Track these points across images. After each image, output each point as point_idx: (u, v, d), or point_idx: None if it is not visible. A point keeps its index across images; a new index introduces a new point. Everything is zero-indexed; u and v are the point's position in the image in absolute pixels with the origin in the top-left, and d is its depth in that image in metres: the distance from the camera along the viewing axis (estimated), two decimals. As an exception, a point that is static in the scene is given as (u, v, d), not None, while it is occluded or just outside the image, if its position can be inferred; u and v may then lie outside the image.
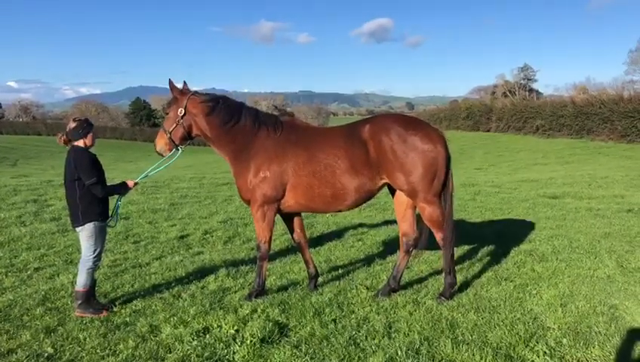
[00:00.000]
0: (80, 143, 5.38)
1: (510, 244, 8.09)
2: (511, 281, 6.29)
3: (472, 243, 8.25)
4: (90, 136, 5.41)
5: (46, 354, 4.47)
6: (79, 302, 5.32)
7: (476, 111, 46.99)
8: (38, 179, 17.37)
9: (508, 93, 77.11)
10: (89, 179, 5.23)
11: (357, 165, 5.53)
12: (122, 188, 5.69)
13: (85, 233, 5.33)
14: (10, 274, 6.75)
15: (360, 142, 5.57)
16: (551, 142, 33.82)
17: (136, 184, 5.85)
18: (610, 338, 4.63)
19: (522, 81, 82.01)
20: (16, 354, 4.47)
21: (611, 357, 4.31)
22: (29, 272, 6.83)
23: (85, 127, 5.39)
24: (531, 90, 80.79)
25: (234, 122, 5.79)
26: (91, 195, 5.30)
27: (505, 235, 8.78)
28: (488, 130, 43.88)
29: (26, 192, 13.63)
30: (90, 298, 5.39)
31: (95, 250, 5.39)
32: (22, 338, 4.79)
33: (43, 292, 5.99)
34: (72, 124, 5.43)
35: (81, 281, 5.35)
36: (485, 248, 7.92)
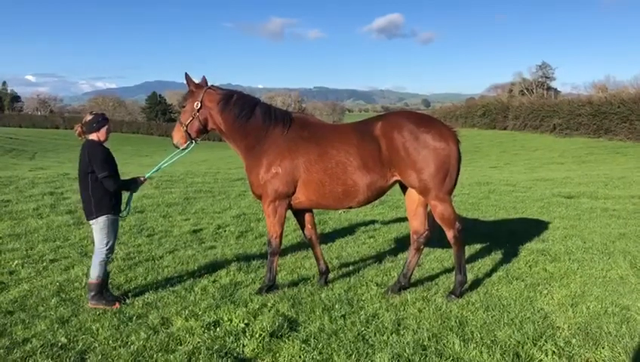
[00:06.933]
0: (93, 137, 5.46)
1: (523, 243, 8.05)
2: (522, 281, 6.26)
3: (484, 241, 8.21)
4: (103, 130, 5.48)
5: (60, 344, 4.55)
6: (92, 293, 5.41)
7: (493, 109, 46.63)
8: (55, 172, 17.60)
9: (525, 91, 76.29)
10: (102, 172, 5.31)
11: (369, 162, 5.53)
12: (133, 184, 5.76)
13: (98, 226, 5.42)
14: (26, 264, 6.87)
15: (372, 139, 5.57)
16: (568, 141, 33.48)
17: (145, 180, 5.94)
18: (621, 339, 4.60)
19: (540, 79, 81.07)
20: (31, 343, 4.57)
21: (621, 358, 4.27)
22: (44, 263, 6.95)
23: (100, 121, 5.48)
24: (549, 89, 79.85)
25: (247, 117, 5.82)
26: (104, 189, 5.38)
27: (518, 234, 8.73)
28: (505, 129, 43.55)
29: (43, 185, 13.83)
30: (102, 290, 5.48)
31: (107, 243, 5.47)
32: (37, 327, 4.88)
33: (58, 284, 6.10)
34: (88, 117, 5.53)
35: (94, 273, 5.43)
36: (497, 247, 7.88)
